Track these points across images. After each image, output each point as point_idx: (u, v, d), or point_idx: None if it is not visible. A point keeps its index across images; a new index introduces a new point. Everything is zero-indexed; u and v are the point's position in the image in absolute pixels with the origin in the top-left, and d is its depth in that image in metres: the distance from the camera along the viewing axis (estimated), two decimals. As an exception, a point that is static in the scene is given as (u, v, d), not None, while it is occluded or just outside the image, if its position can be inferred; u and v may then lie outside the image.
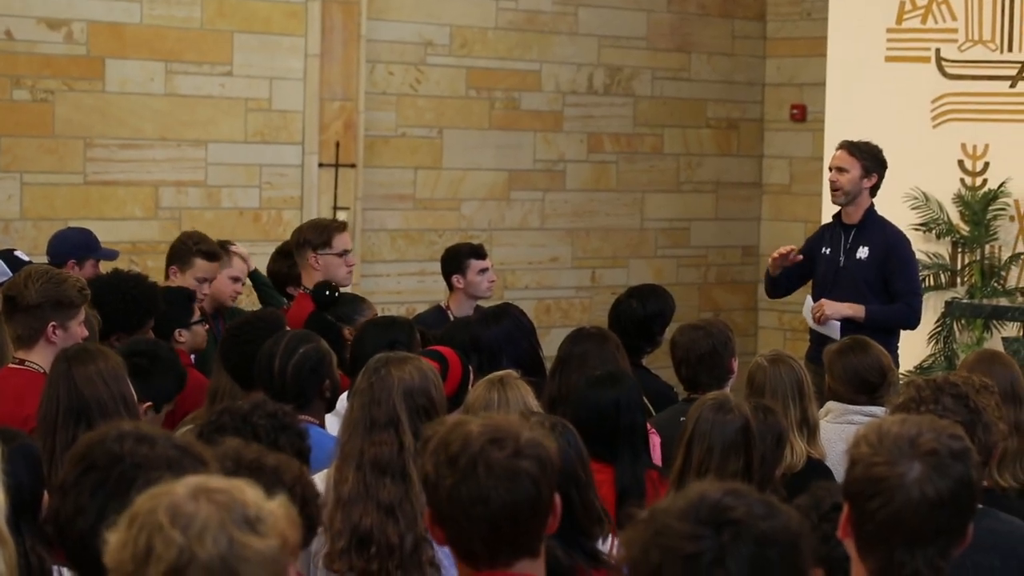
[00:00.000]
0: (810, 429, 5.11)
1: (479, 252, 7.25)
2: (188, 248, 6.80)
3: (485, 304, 7.10)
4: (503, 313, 5.89)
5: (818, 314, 7.35)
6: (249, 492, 2.03)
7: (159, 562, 1.92)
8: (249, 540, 1.96)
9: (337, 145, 9.33)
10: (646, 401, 5.21)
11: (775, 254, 7.59)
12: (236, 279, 7.08)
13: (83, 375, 4.34)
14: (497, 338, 5.70)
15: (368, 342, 5.32)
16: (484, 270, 7.18)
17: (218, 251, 6.90)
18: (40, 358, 4.97)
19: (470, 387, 4.93)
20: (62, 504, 2.56)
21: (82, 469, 2.57)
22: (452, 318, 7.00)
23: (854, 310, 7.30)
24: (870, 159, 7.48)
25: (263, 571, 1.96)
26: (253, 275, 7.37)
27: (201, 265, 6.76)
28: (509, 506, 2.70)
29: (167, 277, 6.79)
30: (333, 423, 5.08)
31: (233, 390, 5.04)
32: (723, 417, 4.28)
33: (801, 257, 7.55)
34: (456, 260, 7.22)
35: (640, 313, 6.38)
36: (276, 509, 2.03)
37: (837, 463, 5.05)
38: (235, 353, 5.13)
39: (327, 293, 6.33)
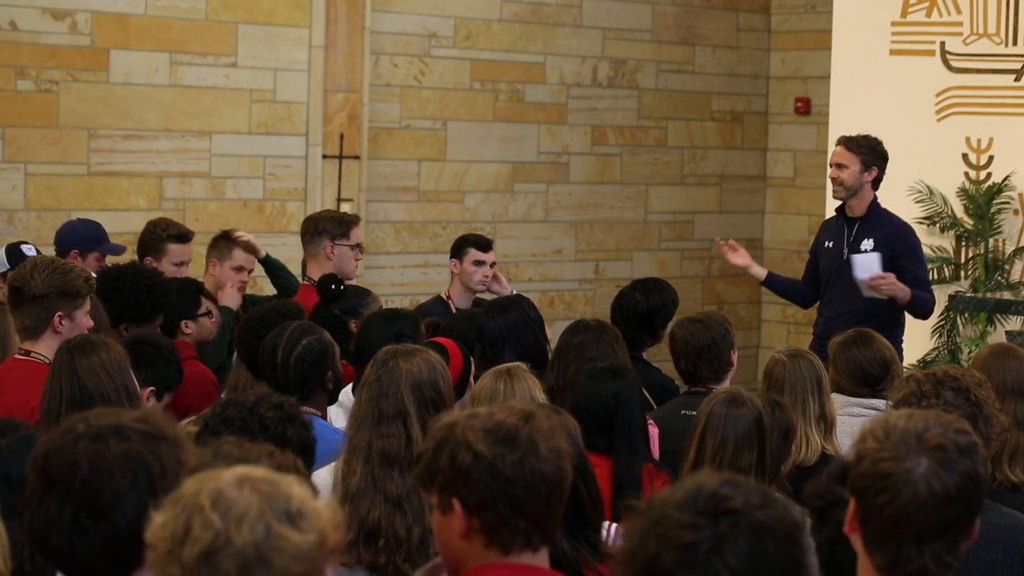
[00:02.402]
0: (827, 424, 5.11)
1: (482, 243, 7.28)
2: (158, 235, 6.88)
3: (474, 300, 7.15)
4: (512, 305, 5.90)
5: (879, 284, 7.19)
6: (295, 487, 2.05)
7: (195, 543, 1.95)
8: (286, 532, 1.97)
9: (341, 137, 9.34)
10: (647, 395, 5.22)
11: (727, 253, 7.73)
12: (239, 269, 7.08)
13: (86, 366, 4.35)
14: (501, 329, 5.71)
15: (373, 334, 5.33)
16: (480, 263, 7.19)
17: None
18: (46, 349, 4.97)
19: (471, 378, 4.94)
20: (32, 521, 2.49)
21: (44, 483, 2.49)
22: (453, 308, 7.04)
23: (903, 293, 7.28)
24: (868, 152, 7.48)
25: (297, 565, 1.98)
26: (266, 261, 7.36)
27: (175, 249, 6.83)
28: (563, 480, 2.79)
29: None
30: (340, 416, 5.09)
31: (254, 384, 5.04)
32: (736, 411, 4.28)
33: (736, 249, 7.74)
34: (459, 246, 7.29)
35: (643, 305, 6.38)
36: (320, 508, 2.05)
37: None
38: (250, 345, 5.14)
39: (332, 287, 6.33)
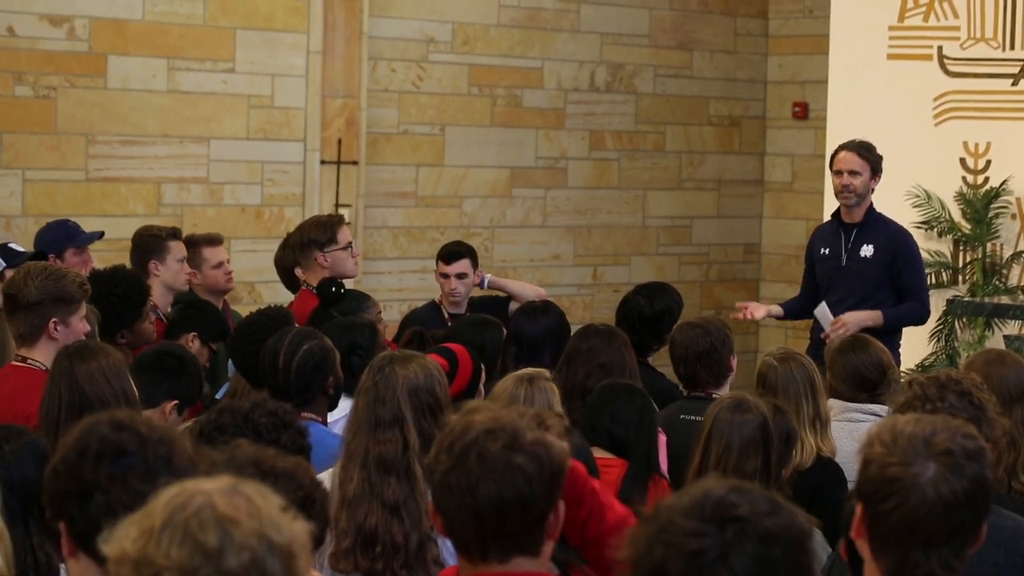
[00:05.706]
0: (822, 424, 5.12)
1: (444, 255, 7.27)
2: (157, 235, 6.76)
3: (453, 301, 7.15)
4: (548, 309, 5.96)
5: (841, 331, 6.98)
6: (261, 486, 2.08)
7: (242, 551, 1.94)
8: (298, 526, 2.01)
9: (339, 142, 9.33)
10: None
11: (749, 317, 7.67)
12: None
13: (84, 372, 4.34)
14: (542, 332, 5.77)
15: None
16: (445, 275, 7.19)
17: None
18: (42, 355, 4.97)
19: (481, 384, 4.95)
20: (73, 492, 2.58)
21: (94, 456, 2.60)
22: (445, 313, 7.08)
23: (873, 319, 7.24)
24: (877, 161, 7.49)
25: (307, 553, 2.02)
26: None
27: (175, 246, 6.75)
28: (495, 499, 2.66)
29: (148, 275, 6.73)
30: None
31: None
32: (741, 416, 4.29)
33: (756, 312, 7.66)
34: (436, 262, 7.32)
35: (647, 311, 6.41)
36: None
37: (839, 461, 5.08)
38: (245, 352, 5.13)
39: (332, 290, 6.33)
